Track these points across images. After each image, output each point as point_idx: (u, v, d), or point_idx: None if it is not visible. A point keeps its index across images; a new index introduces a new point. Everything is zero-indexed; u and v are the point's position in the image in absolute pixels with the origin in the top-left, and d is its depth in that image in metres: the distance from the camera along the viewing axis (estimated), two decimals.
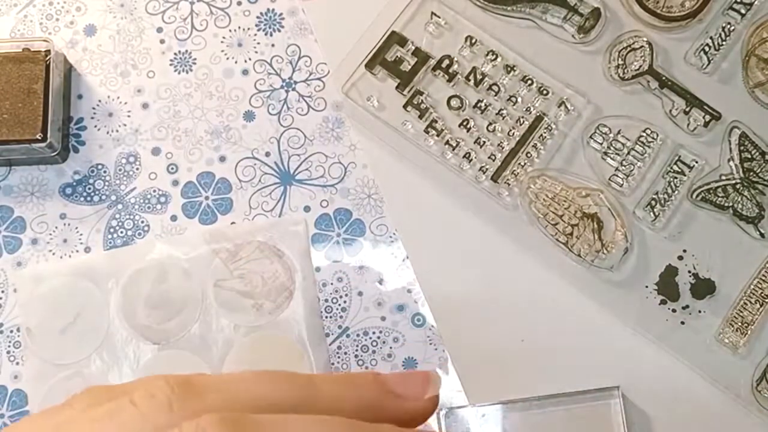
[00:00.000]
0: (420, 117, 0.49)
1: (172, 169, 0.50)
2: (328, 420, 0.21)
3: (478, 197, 0.48)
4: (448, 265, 0.48)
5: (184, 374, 0.24)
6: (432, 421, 0.46)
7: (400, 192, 0.49)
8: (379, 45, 0.50)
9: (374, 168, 0.49)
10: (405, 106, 0.49)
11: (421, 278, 0.48)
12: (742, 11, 0.50)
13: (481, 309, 0.48)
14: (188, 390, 0.22)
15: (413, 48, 0.50)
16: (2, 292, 0.48)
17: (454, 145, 0.49)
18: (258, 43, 0.51)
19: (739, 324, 0.47)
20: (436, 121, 0.49)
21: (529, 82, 0.49)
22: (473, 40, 0.50)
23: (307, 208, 0.49)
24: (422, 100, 0.49)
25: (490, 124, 0.49)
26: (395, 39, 0.50)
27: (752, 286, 0.47)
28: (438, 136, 0.49)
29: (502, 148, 0.49)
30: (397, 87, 0.49)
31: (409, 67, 0.49)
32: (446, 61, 0.50)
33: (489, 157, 0.49)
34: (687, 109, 0.49)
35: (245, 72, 0.51)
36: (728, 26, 0.50)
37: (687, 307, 0.47)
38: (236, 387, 0.23)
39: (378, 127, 0.49)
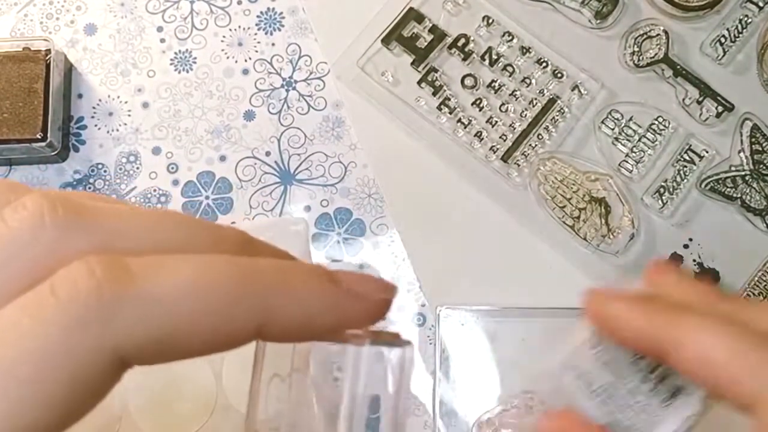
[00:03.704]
0: (434, 94, 0.49)
1: (173, 168, 0.50)
2: (206, 256, 0.19)
3: (487, 176, 0.48)
4: (450, 241, 0.48)
5: (70, 195, 0.19)
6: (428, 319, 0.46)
7: (403, 169, 0.49)
8: (396, 21, 0.50)
9: (381, 150, 0.49)
10: (419, 83, 0.49)
11: (415, 252, 0.48)
12: (760, 4, 0.50)
13: (480, 286, 0.48)
14: (74, 217, 0.18)
15: (430, 25, 0.50)
16: None
17: (466, 123, 0.49)
18: (258, 43, 0.51)
19: None
20: (450, 99, 0.49)
21: (544, 64, 0.49)
22: (490, 20, 0.50)
23: (307, 208, 0.49)
24: (437, 78, 0.49)
25: (503, 104, 0.49)
26: (413, 15, 0.50)
27: (756, 278, 0.47)
28: (451, 113, 0.49)
29: (514, 128, 0.49)
30: (412, 63, 0.50)
31: (425, 44, 0.50)
32: (462, 40, 0.50)
33: (500, 137, 0.49)
34: (700, 99, 0.49)
35: (245, 71, 0.51)
36: (745, 18, 0.50)
37: None
38: (133, 226, 0.19)
39: (391, 102, 0.49)
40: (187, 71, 0.51)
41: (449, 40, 0.50)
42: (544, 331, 0.46)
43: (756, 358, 0.23)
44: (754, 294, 0.47)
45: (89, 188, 0.49)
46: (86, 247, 0.18)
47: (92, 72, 0.51)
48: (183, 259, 0.18)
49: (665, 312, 0.25)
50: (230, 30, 0.51)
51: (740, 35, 0.50)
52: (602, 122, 0.49)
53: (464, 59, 0.50)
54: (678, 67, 0.49)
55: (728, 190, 0.48)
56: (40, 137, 0.46)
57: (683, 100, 0.49)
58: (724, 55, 0.49)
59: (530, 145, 0.49)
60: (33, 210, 0.17)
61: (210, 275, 0.18)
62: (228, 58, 0.51)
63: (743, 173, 0.48)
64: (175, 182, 0.50)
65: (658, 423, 0.25)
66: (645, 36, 0.50)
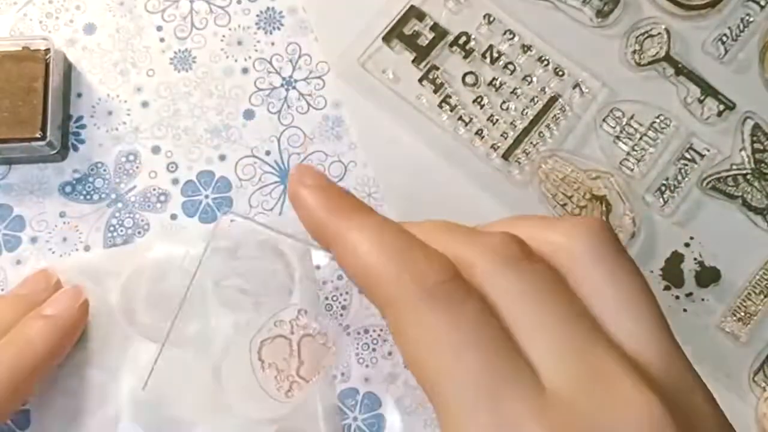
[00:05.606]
0: (435, 92, 0.49)
1: (172, 167, 0.49)
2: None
3: (488, 174, 0.48)
4: None
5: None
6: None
7: (403, 168, 0.49)
8: (397, 19, 0.50)
9: (376, 141, 0.49)
10: (420, 81, 0.49)
11: None
12: (762, 3, 0.50)
13: None
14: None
15: (431, 23, 0.50)
16: (2, 290, 0.47)
17: (467, 121, 0.49)
18: (258, 42, 0.51)
19: (742, 314, 0.47)
20: (450, 97, 0.49)
21: (545, 62, 0.49)
22: (491, 18, 0.50)
23: None
24: (438, 75, 0.49)
25: (504, 102, 0.49)
26: (414, 13, 0.50)
27: (758, 277, 0.47)
28: (452, 111, 0.49)
29: (515, 126, 0.49)
30: (413, 61, 0.49)
31: (427, 41, 0.50)
32: (463, 38, 0.50)
33: (501, 135, 0.49)
34: (701, 98, 0.49)
35: (245, 70, 0.51)
36: (747, 17, 0.50)
37: (691, 294, 0.47)
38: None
39: (392, 100, 0.49)
40: (187, 70, 0.51)
41: (450, 37, 0.50)
42: None
43: (399, 261, 0.23)
44: (755, 293, 0.47)
45: (89, 187, 0.49)
46: None
47: (91, 71, 0.51)
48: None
49: (341, 205, 0.26)
50: (230, 29, 0.51)
51: (742, 34, 0.50)
52: (603, 120, 0.49)
53: (465, 57, 0.50)
54: (679, 65, 0.49)
55: (729, 188, 0.48)
56: (39, 136, 0.46)
57: (685, 98, 0.49)
58: (725, 54, 0.49)
59: (531, 143, 0.48)
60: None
61: None
62: (227, 57, 0.51)
63: (744, 172, 0.48)
64: (175, 181, 0.49)
65: None
66: (646, 34, 0.49)
